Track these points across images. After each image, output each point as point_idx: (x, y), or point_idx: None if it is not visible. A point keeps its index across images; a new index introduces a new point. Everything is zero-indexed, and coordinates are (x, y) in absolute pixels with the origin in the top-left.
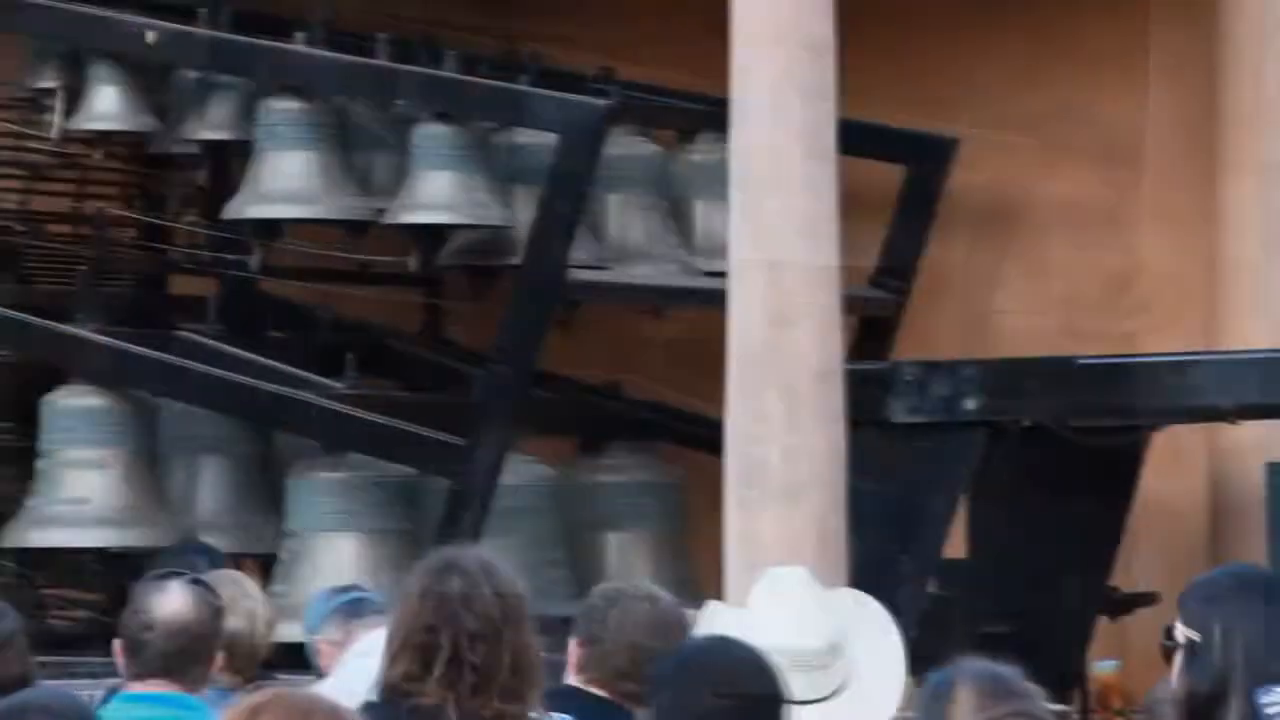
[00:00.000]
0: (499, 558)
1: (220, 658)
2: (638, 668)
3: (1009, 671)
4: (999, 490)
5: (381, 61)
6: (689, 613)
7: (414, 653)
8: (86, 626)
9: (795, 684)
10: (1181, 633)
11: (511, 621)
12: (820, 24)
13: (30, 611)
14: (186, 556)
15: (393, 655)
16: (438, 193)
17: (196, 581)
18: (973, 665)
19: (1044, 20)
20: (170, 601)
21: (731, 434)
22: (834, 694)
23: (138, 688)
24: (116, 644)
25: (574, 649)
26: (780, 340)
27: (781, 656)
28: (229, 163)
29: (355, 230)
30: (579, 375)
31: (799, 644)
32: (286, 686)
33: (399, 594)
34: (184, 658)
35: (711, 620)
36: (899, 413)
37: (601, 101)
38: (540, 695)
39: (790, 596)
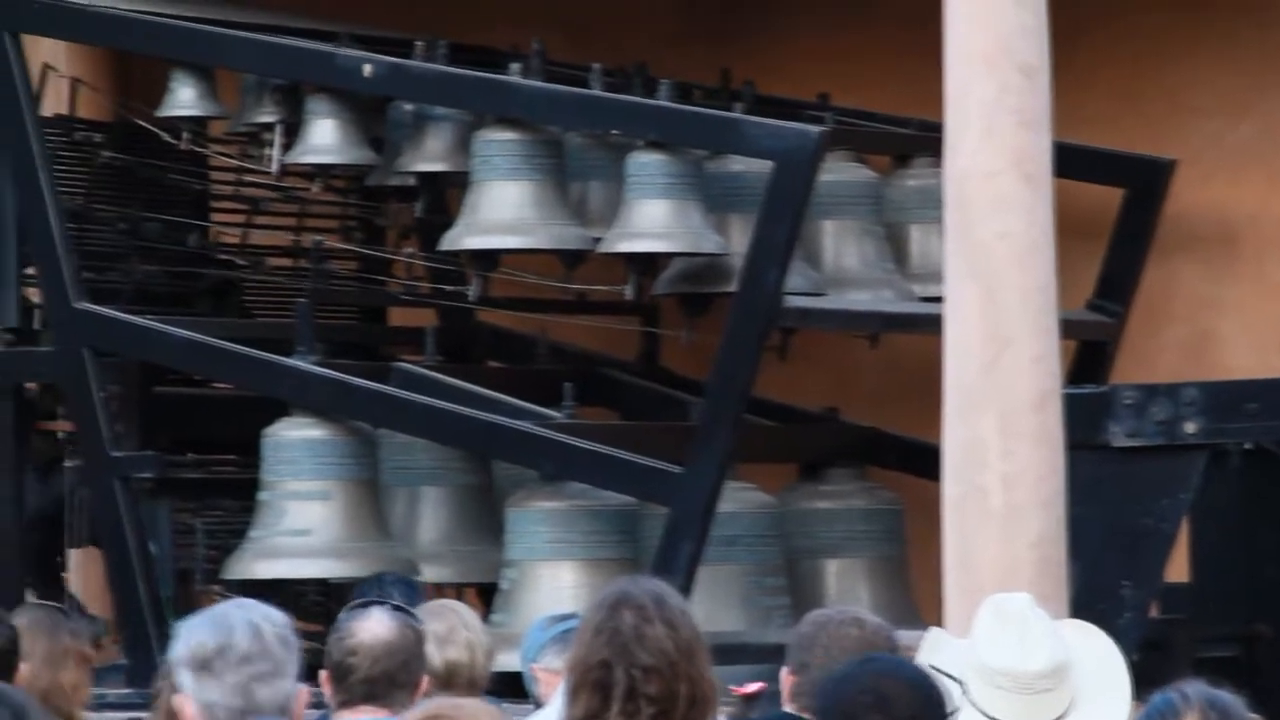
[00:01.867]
0: (671, 589)
1: (427, 682)
2: None
3: (1231, 697)
4: (1221, 514)
5: (596, 91)
6: (899, 635)
7: (592, 689)
8: (310, 657)
9: (1021, 708)
10: None
11: (685, 653)
12: (1034, 48)
13: None
14: (384, 588)
15: (573, 692)
16: (653, 221)
17: (398, 608)
18: (1196, 690)
19: (1258, 40)
20: (372, 628)
21: (948, 459)
22: (1060, 718)
23: (345, 715)
24: (322, 674)
25: (785, 677)
26: (997, 365)
27: (1007, 680)
28: (445, 194)
29: (571, 259)
30: (795, 402)
31: (1024, 667)
32: (449, 699)
33: (576, 629)
34: (389, 684)
35: (934, 648)
36: (1118, 437)
37: (816, 128)
38: None
39: (1014, 621)
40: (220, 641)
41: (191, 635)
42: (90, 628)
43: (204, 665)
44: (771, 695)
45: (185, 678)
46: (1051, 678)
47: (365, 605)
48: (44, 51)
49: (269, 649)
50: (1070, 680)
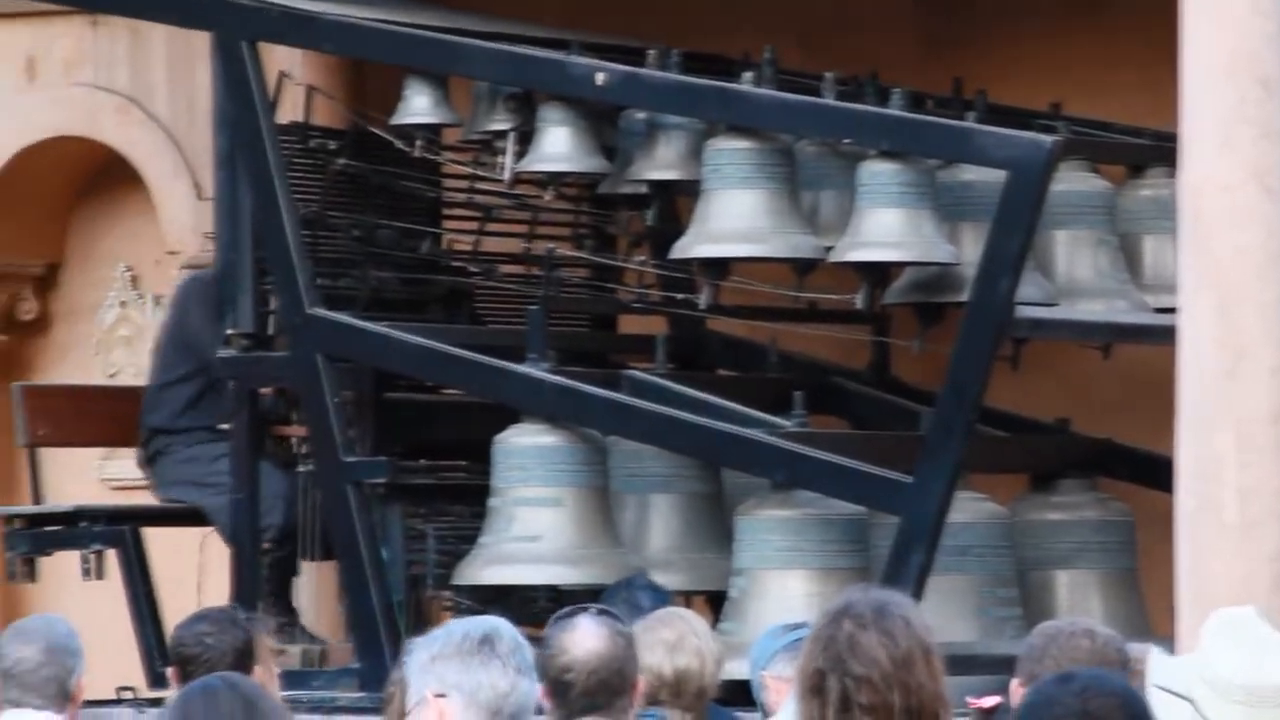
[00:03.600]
0: (902, 599)
1: (642, 683)
2: None
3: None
4: None
5: (829, 100)
6: (1131, 647)
7: (810, 697)
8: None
9: None
10: None
11: (899, 663)
12: (1272, 59)
13: None
14: (633, 592)
15: (798, 699)
16: (885, 230)
17: (603, 612)
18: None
19: None
20: (582, 641)
21: (1182, 472)
22: None
23: None
24: (540, 687)
25: (1015, 689)
26: (1232, 378)
27: (1244, 694)
28: (676, 202)
29: (802, 268)
30: (1027, 412)
31: (1258, 680)
32: None
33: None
34: (607, 692)
35: (1159, 666)
36: None
37: (1050, 137)
38: None
39: (1248, 634)
40: (487, 631)
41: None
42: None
43: (472, 650)
44: (1007, 709)
45: (444, 667)
46: None
47: (571, 615)
48: (280, 59)
49: (524, 648)
50: None
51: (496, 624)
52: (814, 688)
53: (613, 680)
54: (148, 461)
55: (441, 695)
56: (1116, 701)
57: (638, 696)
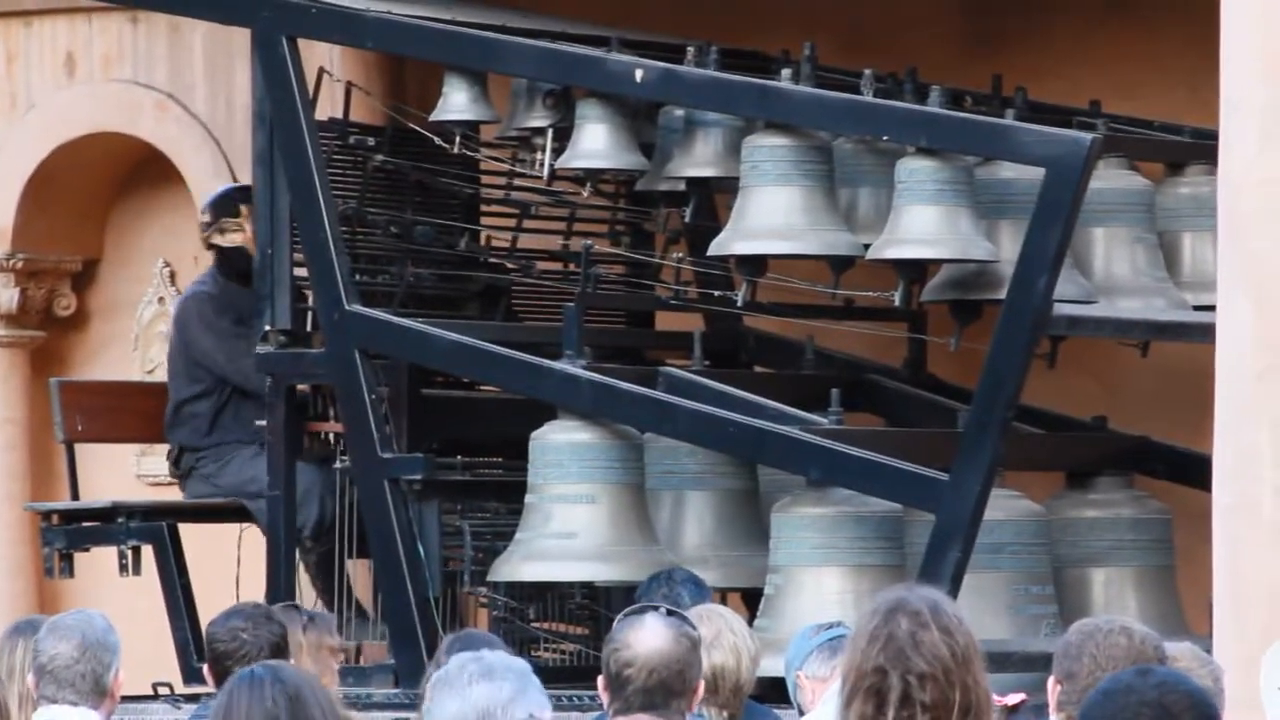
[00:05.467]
0: (946, 596)
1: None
2: None
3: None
4: None
5: (867, 97)
6: (1168, 646)
7: (866, 696)
8: (574, 660)
9: None
10: None
11: (960, 660)
12: None
13: (520, 645)
14: (673, 586)
15: (848, 698)
16: (922, 227)
17: (672, 613)
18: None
19: None
20: (648, 637)
21: (1219, 470)
22: None
23: None
24: (600, 680)
25: (1052, 686)
26: (1270, 376)
27: None
28: (714, 199)
29: (839, 265)
30: (1064, 410)
31: None
32: None
33: (850, 636)
34: (665, 692)
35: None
36: None
37: (1088, 135)
38: None
39: None
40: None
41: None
42: (328, 621)
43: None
44: (1035, 707)
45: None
46: None
47: (640, 611)
48: (319, 56)
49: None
50: None
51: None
52: (872, 687)
53: (673, 681)
54: (180, 477)
55: None
56: (1190, 701)
57: (696, 700)
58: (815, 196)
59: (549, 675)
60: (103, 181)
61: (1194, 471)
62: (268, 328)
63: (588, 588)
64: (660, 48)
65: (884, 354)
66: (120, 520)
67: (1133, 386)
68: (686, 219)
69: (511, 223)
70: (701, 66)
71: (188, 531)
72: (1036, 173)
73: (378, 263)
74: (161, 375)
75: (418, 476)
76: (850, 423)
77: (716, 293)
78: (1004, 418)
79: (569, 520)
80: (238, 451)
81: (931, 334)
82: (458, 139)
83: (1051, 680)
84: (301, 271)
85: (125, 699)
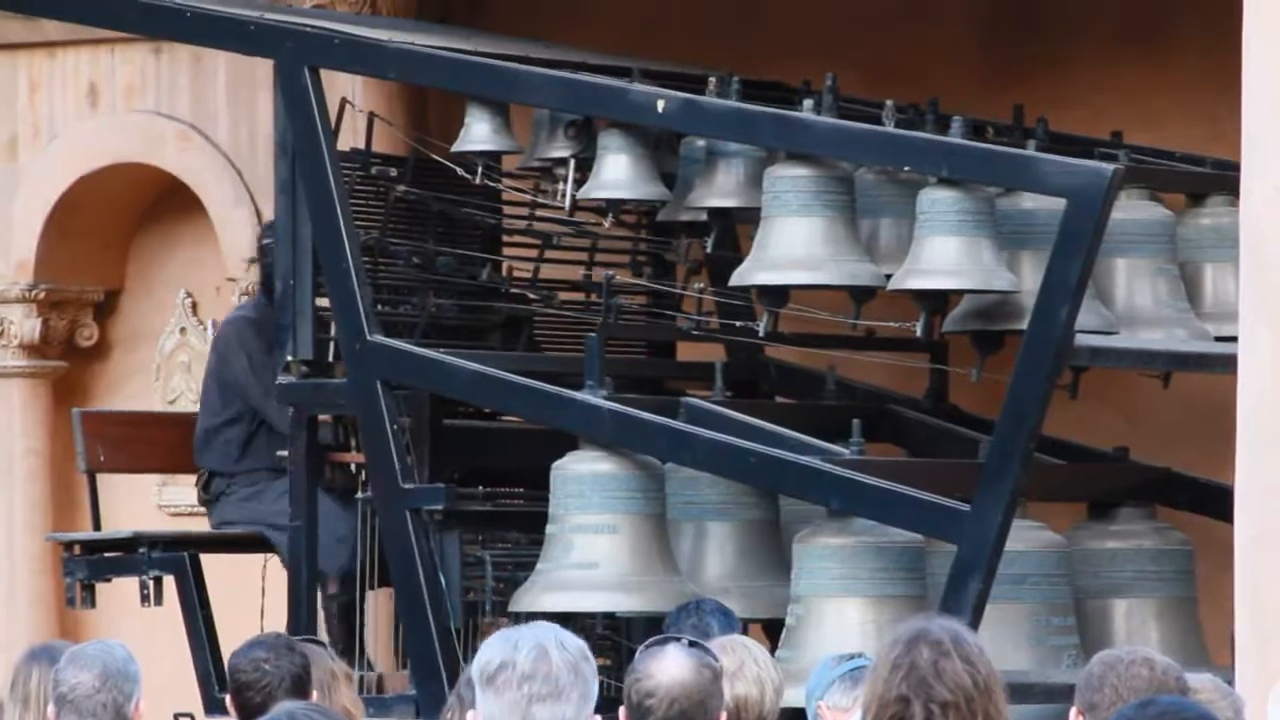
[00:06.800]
0: (967, 627)
1: (725, 717)
2: None
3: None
4: None
5: (889, 128)
6: (1189, 678)
7: None
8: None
9: None
10: None
11: (982, 689)
12: None
13: None
14: (702, 617)
15: None
16: (944, 258)
17: (694, 644)
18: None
19: None
20: (669, 669)
21: (1242, 501)
22: None
23: None
24: (622, 711)
25: (1074, 717)
26: None
27: None
28: (736, 230)
29: (861, 296)
30: (1086, 440)
31: None
32: None
33: (871, 666)
34: None
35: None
36: None
37: (1110, 165)
38: None
39: None
40: (505, 658)
41: (484, 651)
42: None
43: (489, 680)
44: None
45: (475, 692)
46: None
47: (662, 642)
48: (341, 87)
49: (553, 672)
50: None
51: (526, 645)
52: (895, 716)
53: (694, 712)
54: (208, 502)
55: None
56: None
57: None
58: (837, 227)
59: None
60: (125, 212)
61: (1216, 503)
62: (289, 358)
63: (609, 618)
64: (682, 78)
65: (905, 384)
66: (142, 551)
67: (1155, 417)
68: (708, 249)
69: (533, 253)
70: (723, 97)
71: (210, 562)
72: (1058, 203)
73: (400, 293)
74: (183, 405)
75: (439, 507)
76: (872, 453)
77: (738, 323)
78: (1026, 448)
79: (590, 550)
80: (271, 483)
81: (953, 365)
82: (480, 169)
83: (1074, 711)
84: (323, 302)
85: None
